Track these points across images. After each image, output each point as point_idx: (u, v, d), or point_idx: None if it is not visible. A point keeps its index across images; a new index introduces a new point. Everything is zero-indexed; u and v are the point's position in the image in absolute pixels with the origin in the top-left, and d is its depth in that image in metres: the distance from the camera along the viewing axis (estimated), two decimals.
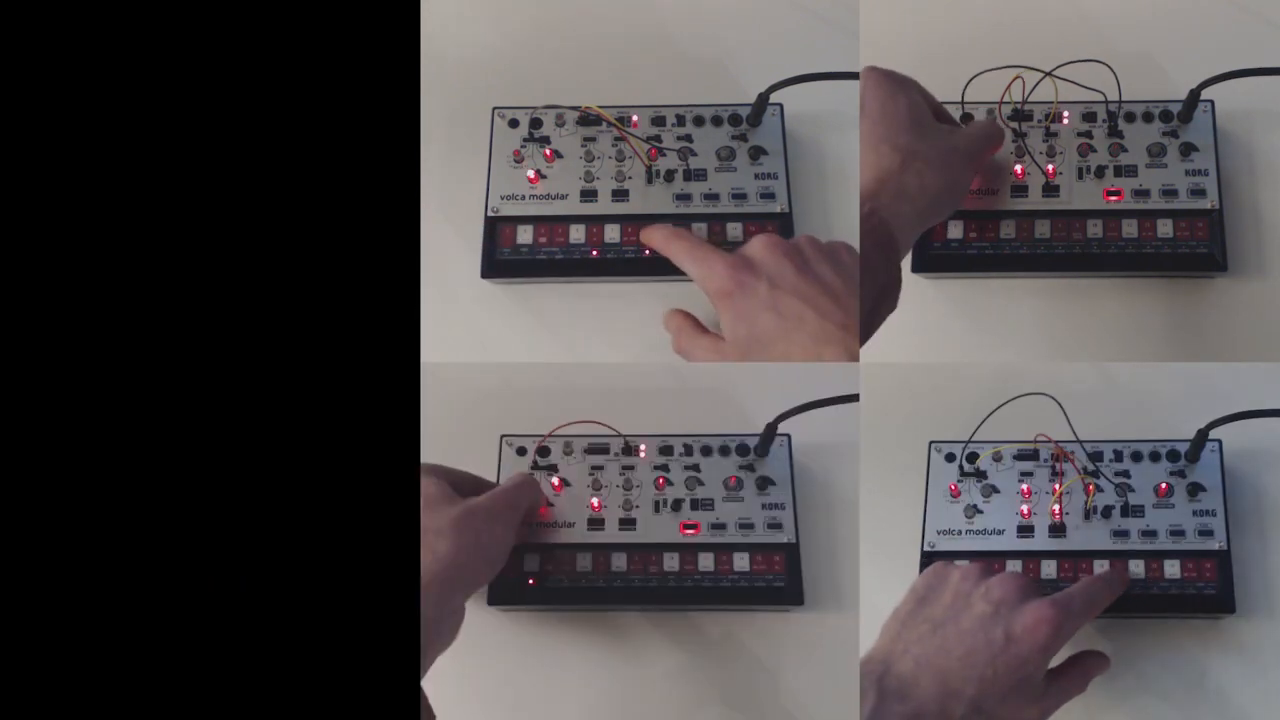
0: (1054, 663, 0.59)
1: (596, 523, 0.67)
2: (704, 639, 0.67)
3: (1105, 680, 0.64)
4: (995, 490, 0.67)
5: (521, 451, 0.68)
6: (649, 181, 0.69)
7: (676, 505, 0.67)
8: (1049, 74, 0.68)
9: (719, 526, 0.67)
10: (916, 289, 0.69)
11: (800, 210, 0.70)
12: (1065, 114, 0.69)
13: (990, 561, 0.65)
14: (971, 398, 0.69)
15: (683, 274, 0.67)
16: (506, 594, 0.66)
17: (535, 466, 0.68)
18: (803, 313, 0.61)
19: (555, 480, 0.68)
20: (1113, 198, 0.68)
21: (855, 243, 0.67)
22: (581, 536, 0.67)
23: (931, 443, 0.68)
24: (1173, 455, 0.67)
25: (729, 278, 0.62)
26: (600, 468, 0.68)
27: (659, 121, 0.70)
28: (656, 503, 0.67)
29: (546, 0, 0.76)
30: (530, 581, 0.66)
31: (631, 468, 0.68)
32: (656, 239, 0.67)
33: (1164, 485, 0.66)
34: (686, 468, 0.68)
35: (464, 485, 0.63)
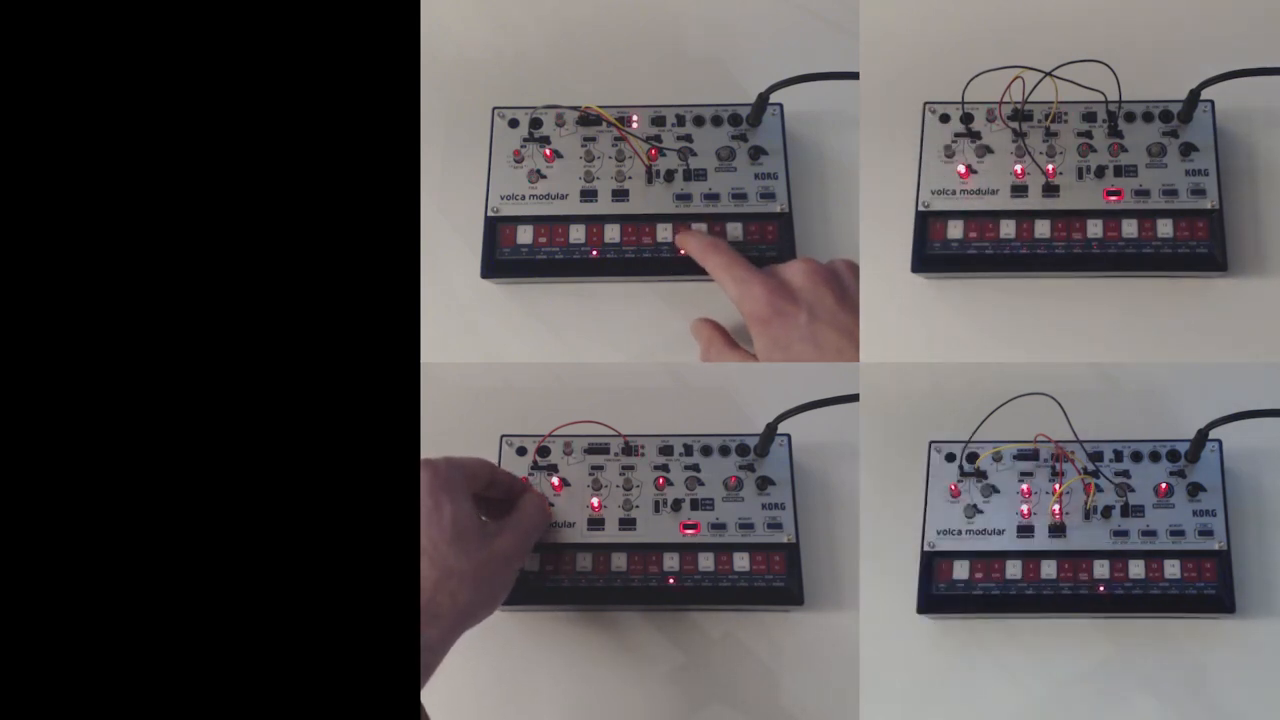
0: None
1: (596, 523, 0.67)
2: (704, 639, 0.67)
3: (1106, 680, 0.64)
4: (995, 490, 0.67)
5: (521, 451, 0.68)
6: (649, 181, 0.69)
7: (676, 505, 0.67)
8: (1049, 74, 0.68)
9: (719, 526, 0.67)
10: (916, 289, 0.69)
11: (800, 210, 0.70)
12: (1065, 114, 0.69)
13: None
14: (971, 398, 0.69)
15: (685, 275, 0.67)
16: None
17: (535, 466, 0.68)
18: (841, 345, 0.61)
19: (555, 480, 0.68)
20: (1113, 198, 0.68)
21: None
22: (581, 536, 0.67)
23: (931, 443, 0.68)
24: (1173, 455, 0.67)
25: (768, 304, 0.62)
26: (600, 468, 0.68)
27: (659, 121, 0.70)
28: (656, 503, 0.67)
29: (546, 0, 0.76)
30: (530, 581, 0.66)
31: (631, 468, 0.68)
32: (692, 246, 0.66)
33: (1164, 485, 0.66)
34: (686, 468, 0.68)
35: (494, 479, 0.63)
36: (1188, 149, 0.68)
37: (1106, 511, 0.66)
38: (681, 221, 0.68)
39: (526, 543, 0.64)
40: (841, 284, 0.63)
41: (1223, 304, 0.68)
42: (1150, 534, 0.65)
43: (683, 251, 0.67)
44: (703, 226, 0.68)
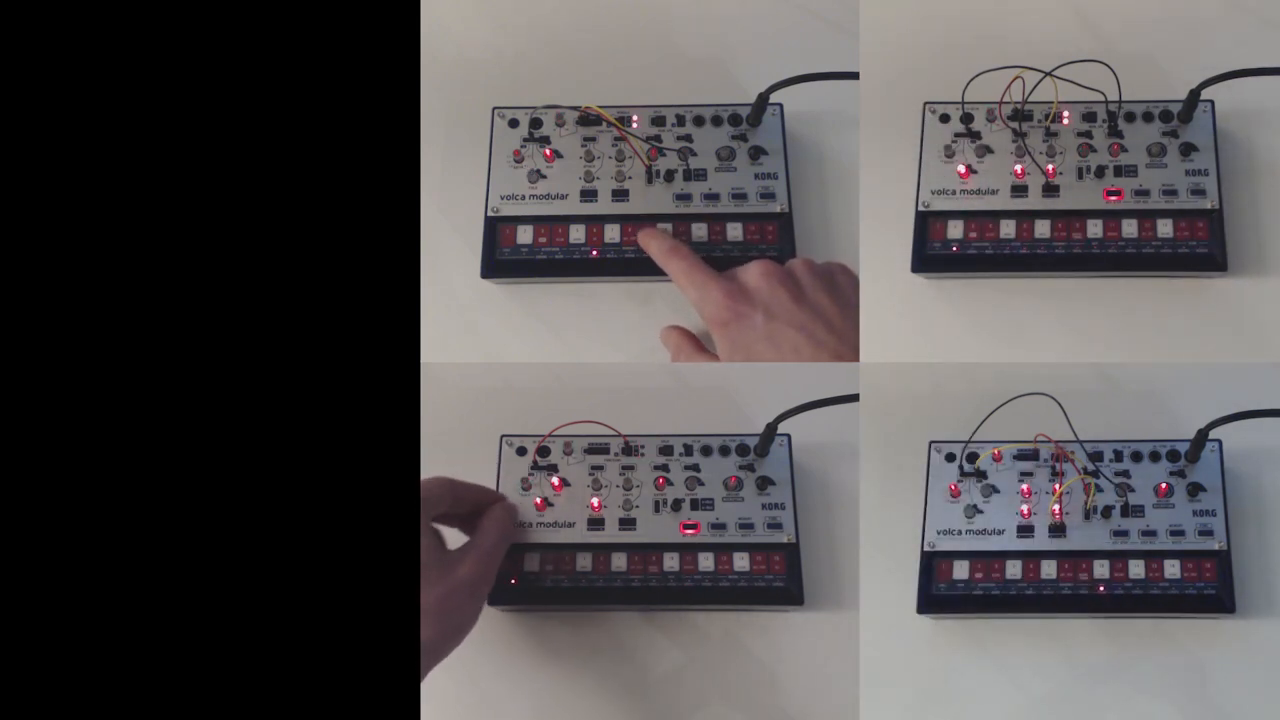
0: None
1: (596, 523, 0.67)
2: (704, 639, 0.67)
3: (1105, 680, 0.64)
4: (995, 490, 0.67)
5: (521, 451, 0.68)
6: (649, 181, 0.69)
7: (676, 505, 0.67)
8: (1049, 74, 0.68)
9: (719, 526, 0.67)
10: (916, 289, 0.69)
11: (800, 210, 0.70)
12: (1065, 114, 0.69)
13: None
14: (971, 398, 0.69)
15: None
16: (507, 594, 0.66)
17: (535, 466, 0.68)
18: (798, 344, 0.61)
19: (555, 480, 0.68)
20: (1113, 198, 0.68)
21: (853, 262, 0.67)
22: (581, 536, 0.67)
23: (931, 443, 0.68)
24: (1173, 455, 0.67)
25: (726, 307, 0.62)
26: (600, 468, 0.68)
27: (659, 121, 0.70)
28: (656, 503, 0.67)
29: (546, 0, 0.76)
30: (530, 581, 0.66)
31: (631, 468, 0.68)
32: (654, 249, 0.67)
33: (1164, 485, 0.66)
34: (686, 468, 0.68)
35: (456, 496, 0.62)
36: (1188, 149, 0.68)
37: (1106, 511, 0.66)
38: (682, 222, 0.68)
39: (491, 564, 0.62)
40: (798, 283, 0.63)
41: (1223, 304, 0.68)
42: (1150, 534, 0.65)
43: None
44: (668, 227, 0.68)
